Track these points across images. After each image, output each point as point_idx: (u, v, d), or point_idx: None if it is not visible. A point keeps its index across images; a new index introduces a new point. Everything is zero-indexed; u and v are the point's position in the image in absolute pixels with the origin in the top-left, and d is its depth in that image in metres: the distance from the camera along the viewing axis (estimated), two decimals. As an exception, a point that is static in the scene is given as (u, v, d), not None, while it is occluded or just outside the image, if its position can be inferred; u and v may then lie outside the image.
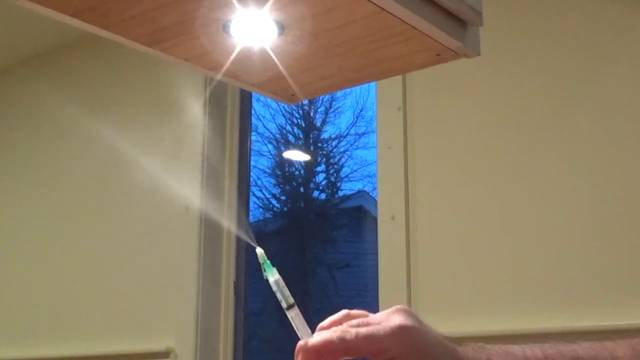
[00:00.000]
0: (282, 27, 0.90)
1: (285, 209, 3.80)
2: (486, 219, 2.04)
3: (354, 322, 0.69)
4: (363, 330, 0.66)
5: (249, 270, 2.69)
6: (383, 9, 0.85)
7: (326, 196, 3.80)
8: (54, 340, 2.88)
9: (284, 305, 0.72)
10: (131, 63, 2.86)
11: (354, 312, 0.72)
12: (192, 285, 2.55)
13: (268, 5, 0.83)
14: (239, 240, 2.68)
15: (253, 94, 2.75)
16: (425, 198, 2.15)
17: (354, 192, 3.62)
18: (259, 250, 0.72)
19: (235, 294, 2.62)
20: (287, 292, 0.72)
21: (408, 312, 0.68)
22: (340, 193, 3.70)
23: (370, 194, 3.37)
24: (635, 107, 1.87)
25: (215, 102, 2.73)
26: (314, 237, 3.66)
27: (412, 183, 2.18)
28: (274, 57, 0.95)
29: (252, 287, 2.68)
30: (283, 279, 0.72)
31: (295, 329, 0.71)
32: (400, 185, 2.18)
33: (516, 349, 0.70)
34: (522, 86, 2.05)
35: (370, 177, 3.37)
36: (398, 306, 0.69)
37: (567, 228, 1.91)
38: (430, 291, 2.09)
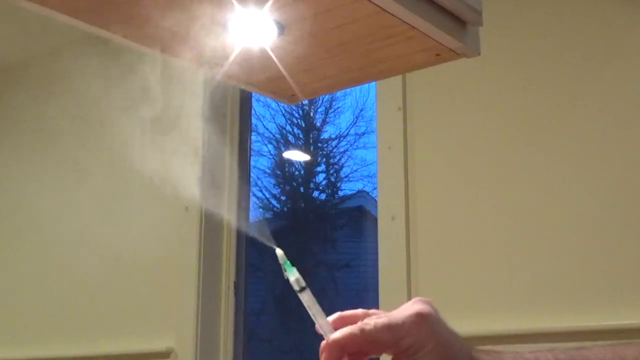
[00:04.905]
0: (282, 27, 0.90)
1: (285, 209, 3.79)
2: (486, 218, 2.04)
3: (373, 315, 0.71)
4: (381, 320, 0.68)
5: (249, 270, 2.69)
6: (383, 9, 0.85)
7: (326, 196, 3.79)
8: (54, 340, 2.88)
9: (296, 288, 0.75)
10: (131, 63, 2.86)
11: (372, 311, 0.74)
12: (192, 285, 2.55)
13: (268, 5, 0.83)
14: (239, 240, 2.68)
15: (253, 94, 2.75)
16: (425, 198, 2.15)
17: (354, 192, 3.61)
18: (279, 252, 0.75)
19: (235, 294, 2.62)
20: (302, 283, 0.75)
21: (426, 302, 0.70)
22: (340, 193, 3.69)
23: (370, 194, 3.36)
24: (636, 108, 1.87)
25: (215, 102, 2.72)
26: (314, 237, 3.65)
27: (412, 183, 2.18)
28: (274, 57, 0.95)
29: (252, 287, 2.68)
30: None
31: (309, 312, 0.74)
32: (400, 185, 2.18)
33: (529, 357, 0.71)
34: (522, 86, 2.05)
35: (370, 177, 3.37)
36: (416, 298, 0.71)
37: (568, 227, 1.91)
38: (430, 291, 2.08)
